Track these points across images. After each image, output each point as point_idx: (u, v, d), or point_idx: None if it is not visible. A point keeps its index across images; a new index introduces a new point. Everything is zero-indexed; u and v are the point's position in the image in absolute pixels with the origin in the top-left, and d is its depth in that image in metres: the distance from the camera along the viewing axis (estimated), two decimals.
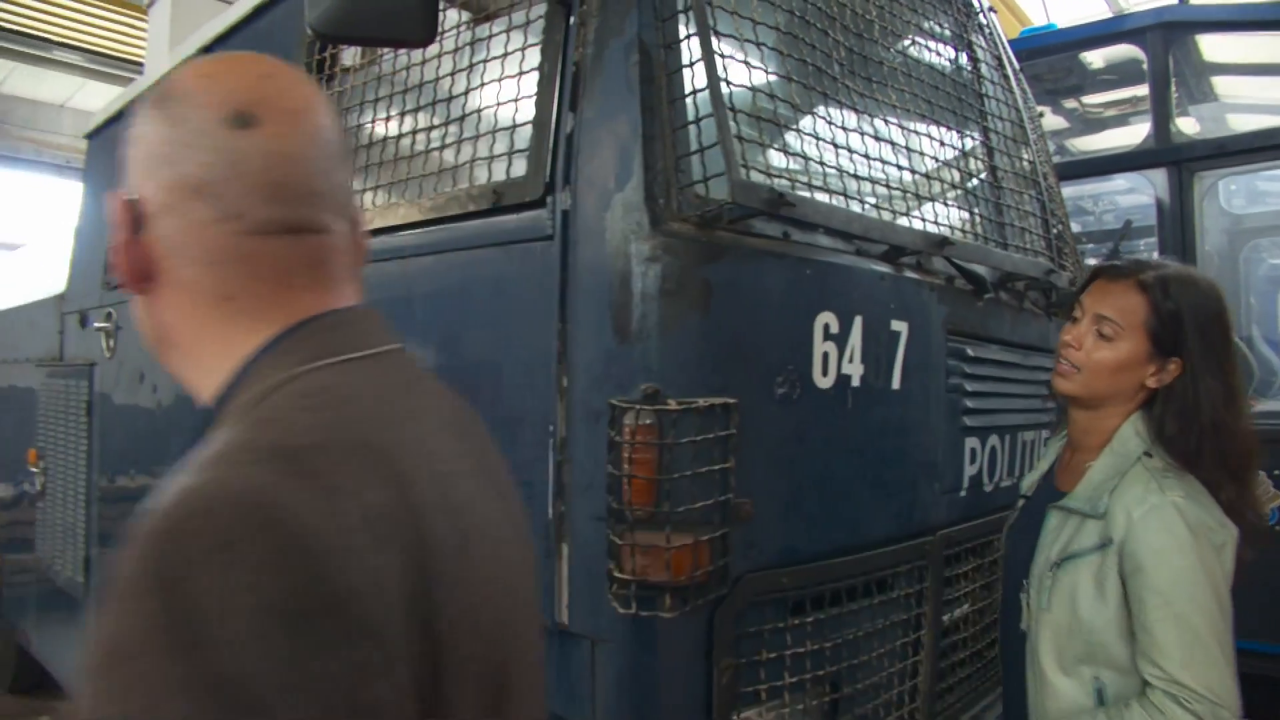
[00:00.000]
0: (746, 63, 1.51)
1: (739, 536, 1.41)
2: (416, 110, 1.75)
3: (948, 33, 2.31)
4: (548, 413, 1.41)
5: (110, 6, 6.83)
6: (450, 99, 1.68)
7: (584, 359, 1.38)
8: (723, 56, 1.41)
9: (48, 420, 3.67)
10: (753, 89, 1.52)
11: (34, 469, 3.79)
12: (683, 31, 1.46)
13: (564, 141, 1.46)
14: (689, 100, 1.43)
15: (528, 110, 1.52)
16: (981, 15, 2.50)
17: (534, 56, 1.54)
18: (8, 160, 8.50)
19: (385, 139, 1.80)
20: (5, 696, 5.04)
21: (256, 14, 2.36)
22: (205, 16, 2.88)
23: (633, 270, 1.35)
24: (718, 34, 1.42)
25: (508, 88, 1.57)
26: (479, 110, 1.63)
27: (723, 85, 1.38)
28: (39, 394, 3.81)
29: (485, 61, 1.62)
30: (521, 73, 1.56)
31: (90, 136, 3.60)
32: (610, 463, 1.33)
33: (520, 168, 1.51)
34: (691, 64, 1.43)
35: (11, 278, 5.12)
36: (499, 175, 1.55)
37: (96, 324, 3.09)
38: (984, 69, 2.39)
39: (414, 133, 1.74)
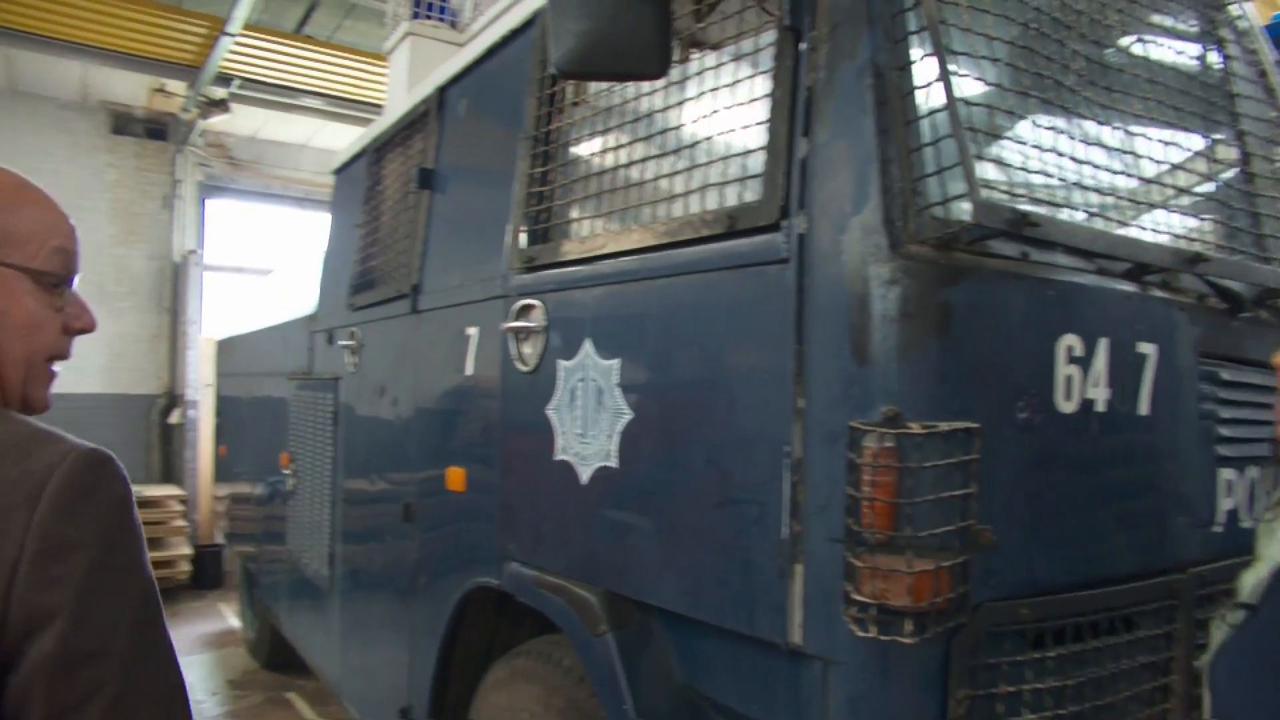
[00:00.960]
0: (981, 79, 1.48)
1: (979, 564, 1.37)
2: (648, 139, 1.82)
3: (1194, 30, 2.15)
4: (783, 433, 1.43)
5: (351, 56, 7.55)
6: (681, 127, 1.74)
7: (821, 381, 1.40)
8: (958, 75, 1.39)
9: (298, 428, 4.05)
10: (988, 106, 1.48)
11: (286, 471, 4.19)
12: (916, 52, 1.45)
13: (798, 166, 1.48)
14: (925, 121, 1.42)
15: (760, 136, 1.55)
16: (1233, 6, 2.31)
17: (764, 83, 1.57)
18: (261, 196, 9.56)
19: (617, 168, 1.89)
20: (262, 672, 5.61)
21: (487, 55, 2.53)
22: (440, 59, 3.12)
23: (872, 293, 1.35)
24: (951, 52, 1.40)
25: (739, 115, 1.61)
26: (710, 138, 1.68)
27: (960, 105, 1.36)
28: (290, 404, 4.22)
29: (715, 90, 1.67)
30: (752, 99, 1.59)
31: (337, 172, 3.95)
32: (849, 485, 1.33)
33: (754, 193, 1.55)
34: (927, 85, 1.42)
35: (264, 300, 5.70)
36: (732, 201, 1.60)
37: (342, 342, 3.39)
38: (1236, 65, 2.21)
39: (646, 160, 1.81)
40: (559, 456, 1.92)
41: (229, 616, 7.16)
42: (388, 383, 2.96)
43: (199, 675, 5.60)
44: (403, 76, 3.76)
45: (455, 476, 2.38)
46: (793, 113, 1.50)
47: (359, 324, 3.27)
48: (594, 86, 2.02)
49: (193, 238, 9.05)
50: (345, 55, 7.57)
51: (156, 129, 8.87)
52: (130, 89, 8.32)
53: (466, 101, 2.66)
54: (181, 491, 8.01)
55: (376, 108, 7.14)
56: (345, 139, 4.07)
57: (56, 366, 1.07)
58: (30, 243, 1.00)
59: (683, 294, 1.66)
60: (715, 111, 1.66)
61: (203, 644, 6.35)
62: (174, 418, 8.70)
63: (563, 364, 1.93)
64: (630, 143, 1.87)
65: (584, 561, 1.87)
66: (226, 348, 6.36)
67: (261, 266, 9.02)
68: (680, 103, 1.75)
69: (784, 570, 1.43)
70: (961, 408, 1.36)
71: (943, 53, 1.36)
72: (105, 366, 8.60)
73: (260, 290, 6.26)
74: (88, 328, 1.08)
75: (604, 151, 1.95)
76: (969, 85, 1.43)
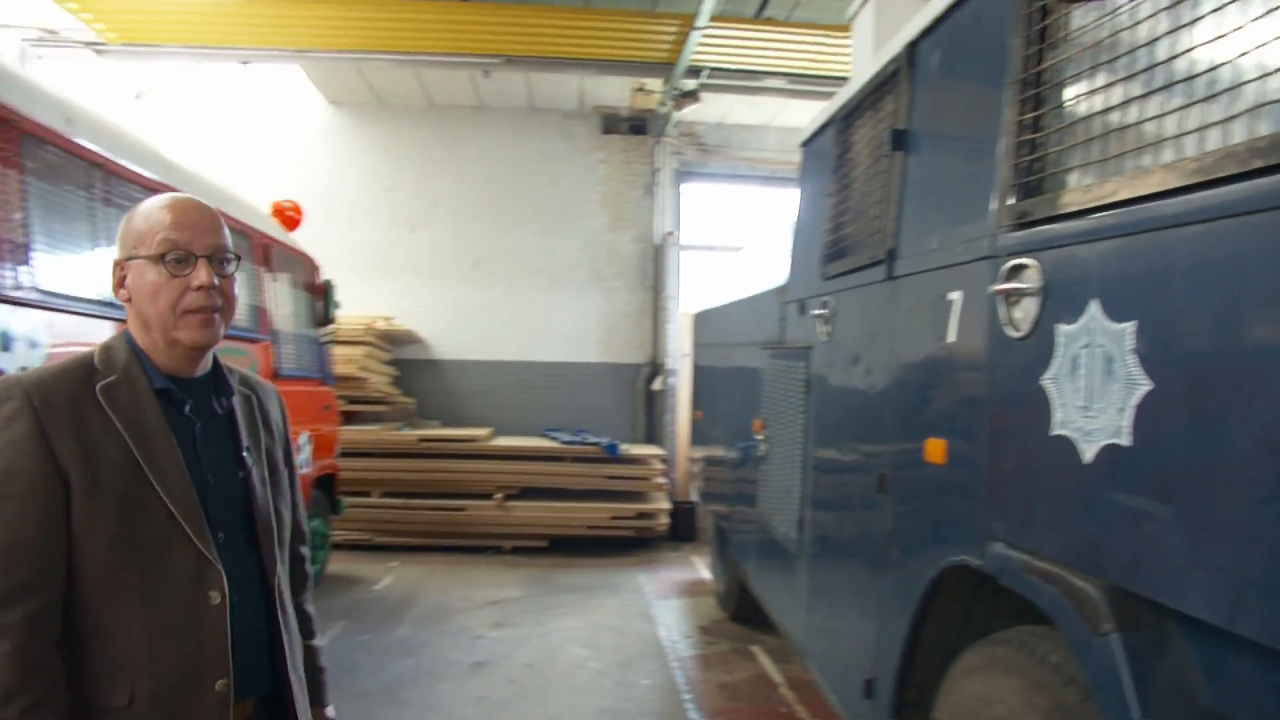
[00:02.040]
0: None
1: None
2: (1168, 62, 1.55)
3: None
4: None
5: (811, 31, 7.70)
6: (1213, 41, 1.45)
7: None
8: None
9: (770, 395, 4.22)
10: None
11: (758, 436, 4.41)
12: None
13: None
14: None
15: None
16: None
17: None
18: (729, 177, 10.20)
19: (1128, 101, 1.64)
20: (728, 623, 6.02)
21: (960, 2, 2.36)
22: (906, 16, 2.99)
23: None
24: None
25: None
26: (1259, 46, 1.37)
27: None
28: (763, 372, 4.41)
29: None
30: None
31: (804, 145, 4.01)
32: None
33: None
34: None
35: (736, 275, 6.03)
36: None
37: (814, 311, 3.44)
38: None
39: (1167, 88, 1.54)
40: (1056, 431, 1.73)
41: (700, 568, 7.79)
42: (861, 351, 2.94)
43: (674, 618, 6.17)
44: (867, 40, 3.70)
45: (935, 448, 2.28)
46: None
47: (831, 293, 3.28)
48: (1094, 12, 1.77)
49: (670, 220, 9.93)
50: (805, 31, 7.70)
51: (638, 125, 9.88)
52: (616, 92, 9.36)
53: (939, 54, 2.51)
54: (662, 452, 8.87)
55: (837, 80, 7.16)
56: (807, 115, 4.12)
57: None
58: (145, 241, 1.48)
59: (1222, 242, 1.38)
60: (1270, 11, 1.35)
61: (678, 591, 6.98)
62: (656, 385, 9.65)
63: (1063, 329, 1.73)
64: (1144, 69, 1.60)
65: (1084, 549, 1.67)
66: (702, 320, 6.85)
67: (732, 244, 9.60)
68: (1215, 9, 1.45)
69: None
70: None
71: None
72: (600, 339, 9.82)
73: (732, 266, 6.63)
74: (201, 284, 1.48)
75: (1110, 84, 1.70)
76: None
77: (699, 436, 6.86)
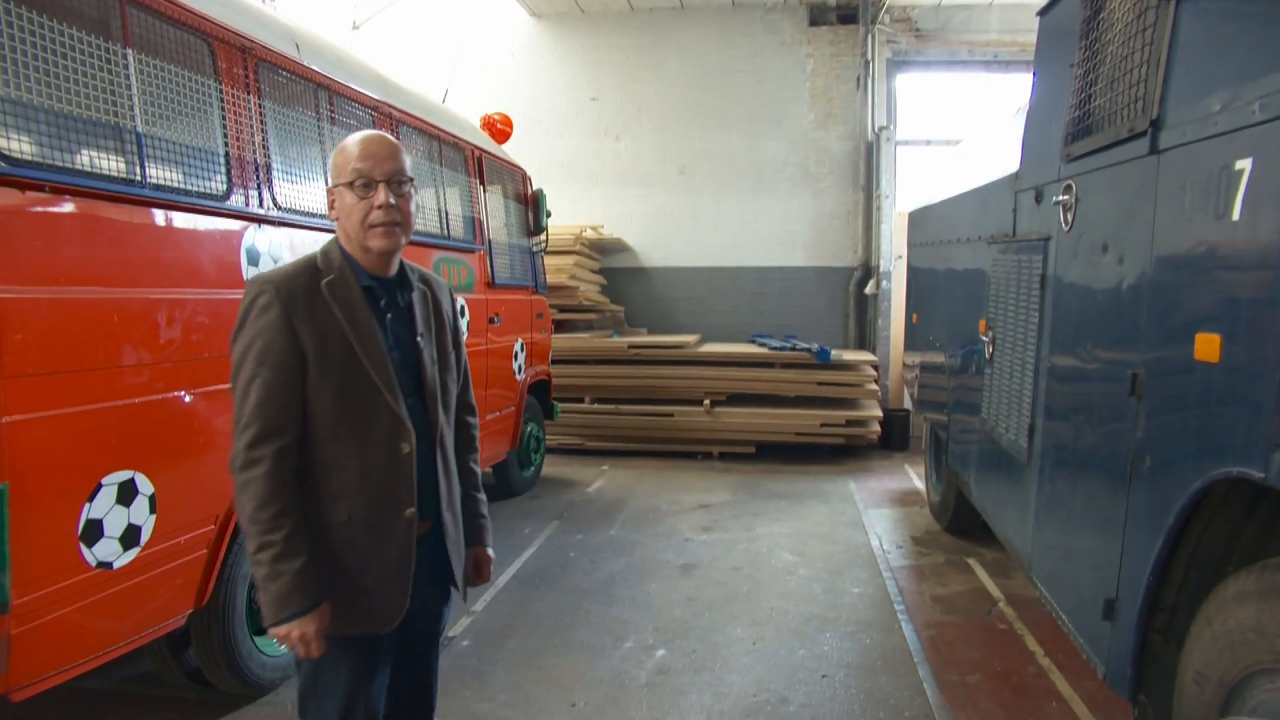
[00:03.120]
0: None
1: None
2: None
3: None
4: None
5: None
6: None
7: None
8: None
9: (998, 293, 3.90)
10: None
11: (983, 338, 4.10)
12: None
13: None
14: None
15: None
16: None
17: None
18: (947, 65, 9.40)
19: None
20: (943, 534, 5.80)
21: None
22: None
23: None
24: None
25: None
26: None
27: None
28: (989, 269, 4.08)
29: None
30: None
31: (1041, 14, 3.59)
32: None
33: None
34: None
35: (956, 168, 5.60)
36: None
37: (1056, 198, 3.09)
38: None
39: None
40: None
41: (913, 477, 7.55)
42: (1112, 239, 2.60)
43: (886, 527, 6.02)
44: None
45: (1206, 345, 1.98)
46: None
47: (1075, 176, 2.93)
48: None
49: (883, 114, 9.37)
50: None
51: (847, 14, 9.31)
52: None
53: None
54: (874, 358, 8.58)
55: None
56: None
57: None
58: (342, 171, 1.86)
59: None
60: None
61: (889, 500, 6.80)
62: (869, 288, 9.29)
63: None
64: None
65: None
66: (918, 219, 6.45)
67: (951, 137, 8.94)
68: None
69: None
70: None
71: None
72: (809, 242, 9.54)
73: (951, 159, 6.17)
74: (380, 203, 1.84)
75: None
76: None
77: (914, 341, 6.54)
